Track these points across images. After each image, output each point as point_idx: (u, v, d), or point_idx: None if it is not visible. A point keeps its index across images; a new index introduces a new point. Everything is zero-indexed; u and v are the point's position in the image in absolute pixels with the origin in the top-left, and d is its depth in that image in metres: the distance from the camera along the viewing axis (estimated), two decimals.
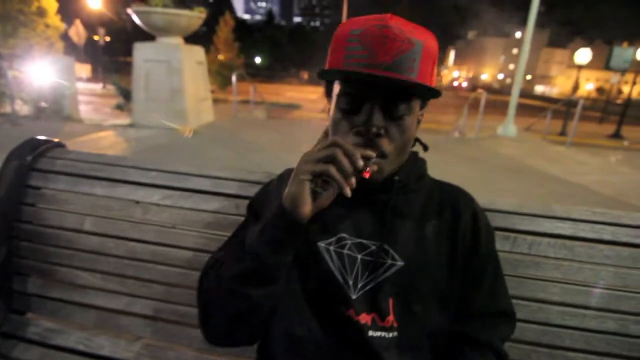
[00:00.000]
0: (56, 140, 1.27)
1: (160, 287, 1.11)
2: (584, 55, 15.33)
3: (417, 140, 0.84)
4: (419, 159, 0.84)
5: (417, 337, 0.74)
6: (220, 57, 23.73)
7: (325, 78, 0.72)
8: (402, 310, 0.73)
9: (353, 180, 0.63)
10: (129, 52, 6.82)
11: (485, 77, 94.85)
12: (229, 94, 9.56)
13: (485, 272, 0.79)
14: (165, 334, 1.10)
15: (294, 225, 0.66)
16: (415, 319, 0.74)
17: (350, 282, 0.74)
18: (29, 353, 1.10)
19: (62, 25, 18.97)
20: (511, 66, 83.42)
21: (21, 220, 1.16)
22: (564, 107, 11.60)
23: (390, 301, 0.73)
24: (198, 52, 7.00)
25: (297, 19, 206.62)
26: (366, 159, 0.64)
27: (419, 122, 0.77)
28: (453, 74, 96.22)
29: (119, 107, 7.20)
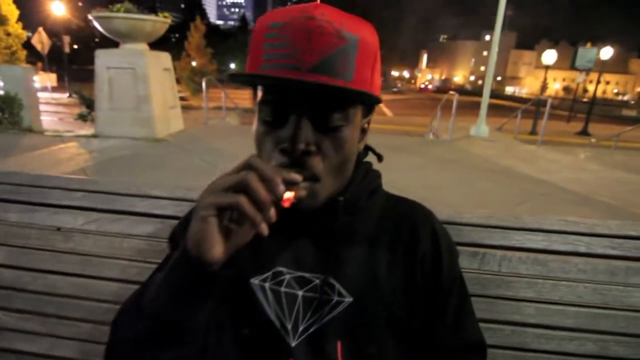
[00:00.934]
0: None
1: (87, 326, 0.96)
2: (550, 56, 15.88)
3: (369, 149, 0.73)
4: (371, 172, 0.71)
5: None
6: (194, 63, 23.37)
7: (237, 82, 0.58)
8: (352, 355, 0.61)
9: (272, 212, 0.48)
10: None
11: (457, 79, 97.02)
12: (202, 101, 9.30)
13: (450, 300, 0.68)
14: None
15: (202, 273, 0.51)
16: None
17: (289, 326, 0.62)
18: None
19: (25, 33, 18.28)
20: (482, 68, 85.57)
21: None
22: (534, 107, 11.88)
23: (339, 345, 0.61)
24: (165, 58, 6.75)
25: None
26: (291, 183, 0.50)
27: (364, 130, 0.66)
28: (427, 76, 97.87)
29: (82, 117, 6.85)
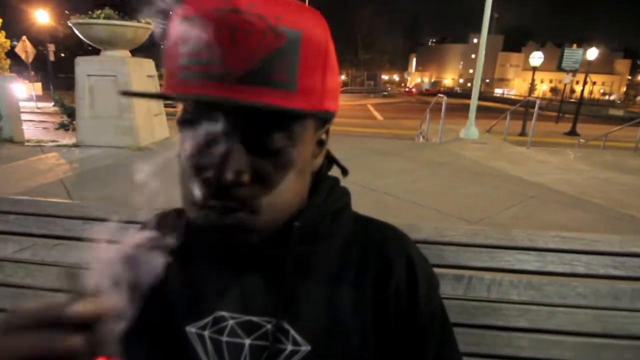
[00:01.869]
0: None
1: None
2: (537, 58, 16.04)
3: (333, 161, 0.61)
4: (336, 190, 0.59)
5: None
6: None
7: (142, 97, 0.43)
8: None
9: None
10: None
11: (447, 81, 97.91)
12: None
13: (429, 338, 0.57)
14: None
15: None
16: None
17: None
18: None
19: (8, 42, 18.01)
20: (471, 71, 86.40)
21: None
22: (523, 108, 11.93)
23: None
24: (148, 65, 6.61)
25: None
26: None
27: (322, 142, 0.55)
28: (417, 79, 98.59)
29: (63, 126, 6.68)
